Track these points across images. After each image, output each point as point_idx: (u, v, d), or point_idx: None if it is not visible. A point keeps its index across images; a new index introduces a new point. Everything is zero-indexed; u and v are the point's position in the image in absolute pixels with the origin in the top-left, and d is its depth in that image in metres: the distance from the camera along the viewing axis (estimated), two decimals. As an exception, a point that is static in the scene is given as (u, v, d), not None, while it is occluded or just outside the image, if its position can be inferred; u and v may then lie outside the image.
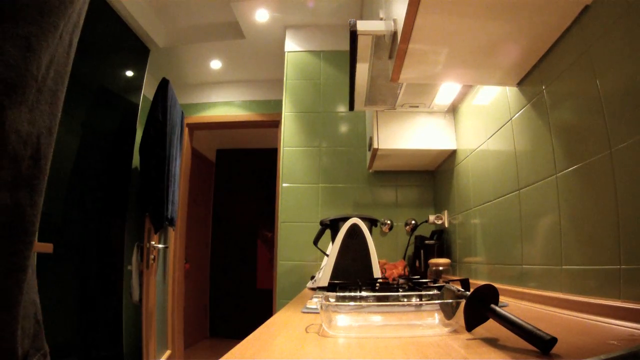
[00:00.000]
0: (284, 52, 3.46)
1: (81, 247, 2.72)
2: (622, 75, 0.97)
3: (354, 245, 1.90)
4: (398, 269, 2.56)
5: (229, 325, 6.11)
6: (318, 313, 1.05)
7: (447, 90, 2.17)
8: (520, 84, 1.56)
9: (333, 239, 2.09)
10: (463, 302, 0.82)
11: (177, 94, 3.82)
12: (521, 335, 0.69)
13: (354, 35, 1.59)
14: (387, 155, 2.62)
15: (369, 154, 2.79)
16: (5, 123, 0.69)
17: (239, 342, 0.78)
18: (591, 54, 1.10)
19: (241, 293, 6.27)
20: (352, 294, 1.14)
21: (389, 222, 3.01)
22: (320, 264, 2.70)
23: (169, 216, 3.49)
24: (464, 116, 2.27)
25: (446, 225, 2.59)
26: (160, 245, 3.75)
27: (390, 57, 1.54)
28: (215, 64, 4.22)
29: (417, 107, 2.36)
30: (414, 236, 2.84)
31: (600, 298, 1.01)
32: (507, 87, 1.65)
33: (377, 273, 1.86)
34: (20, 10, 0.72)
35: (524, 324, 0.69)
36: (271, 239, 5.89)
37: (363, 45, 1.66)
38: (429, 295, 1.06)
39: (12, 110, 0.70)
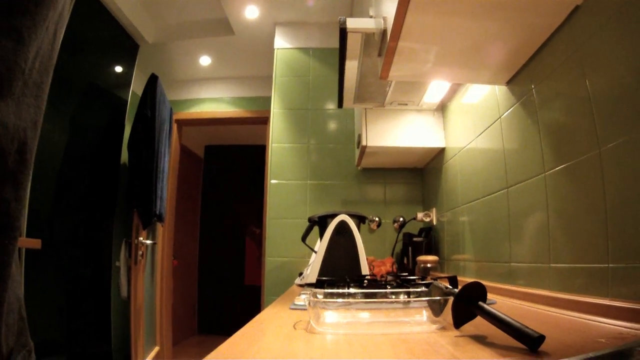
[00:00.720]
0: (273, 49, 3.45)
1: (69, 243, 2.70)
2: (612, 75, 0.98)
3: (342, 242, 1.90)
4: (386, 265, 2.57)
5: (217, 322, 6.09)
6: (306, 309, 1.05)
7: (436, 88, 2.18)
8: (509, 82, 1.56)
9: (321, 235, 2.09)
10: (451, 299, 0.82)
11: (166, 90, 3.80)
12: (509, 332, 0.69)
13: (343, 33, 1.59)
14: (376, 152, 2.62)
15: (357, 151, 2.79)
16: None
17: (227, 338, 0.78)
18: (581, 54, 1.11)
19: (229, 289, 6.26)
20: (340, 290, 1.13)
21: (377, 219, 3.02)
22: (308, 261, 2.70)
23: (158, 212, 3.48)
24: (453, 114, 2.27)
25: (434, 222, 2.60)
26: (148, 242, 3.74)
27: (379, 55, 1.53)
28: (205, 60, 4.20)
29: (406, 104, 2.36)
30: (402, 233, 2.84)
31: (588, 296, 1.02)
32: (497, 86, 1.65)
33: (365, 270, 1.87)
34: (17, 0, 0.71)
35: (512, 321, 0.69)
36: (259, 236, 5.89)
37: (352, 42, 1.66)
38: (417, 292, 1.06)
39: (0, 104, 0.69)
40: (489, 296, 0.88)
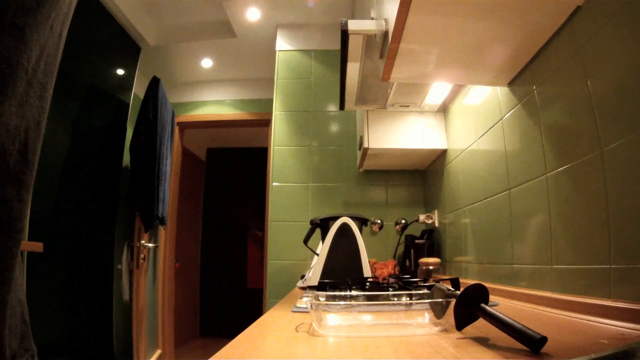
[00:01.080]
0: (275, 51, 3.46)
1: (71, 246, 2.71)
2: (613, 75, 0.98)
3: (344, 244, 1.90)
4: (388, 268, 2.56)
5: (220, 325, 6.09)
6: (308, 312, 1.05)
7: (437, 90, 2.17)
8: (511, 84, 1.56)
9: (323, 238, 2.09)
10: (453, 301, 0.82)
11: (168, 92, 3.81)
12: (511, 334, 0.69)
13: (345, 35, 1.59)
14: (378, 154, 2.62)
15: (359, 153, 2.79)
16: None
17: (229, 341, 0.77)
18: (582, 55, 1.10)
19: (231, 292, 6.26)
20: (342, 293, 1.13)
21: (379, 221, 3.01)
22: (310, 263, 2.70)
23: (160, 215, 3.48)
24: (454, 116, 2.27)
25: (436, 224, 2.59)
26: (150, 245, 3.74)
27: (381, 57, 1.53)
28: (206, 63, 4.20)
29: (408, 106, 2.36)
30: (404, 235, 2.84)
31: (590, 297, 1.02)
32: (498, 87, 1.65)
33: (367, 272, 1.86)
34: None
35: (514, 323, 0.69)
36: (261, 238, 5.89)
37: (354, 44, 1.66)
38: (419, 294, 1.06)
39: (2, 104, 0.68)
40: (491, 298, 0.88)
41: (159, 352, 3.99)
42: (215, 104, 4.54)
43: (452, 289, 0.94)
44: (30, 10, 0.72)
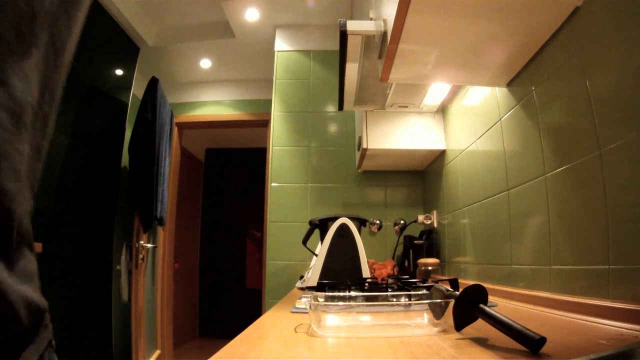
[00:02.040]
0: (273, 52, 3.45)
1: (70, 246, 2.70)
2: (612, 76, 0.98)
3: (343, 245, 1.90)
4: (387, 268, 2.56)
5: (218, 325, 6.08)
6: (307, 313, 1.05)
7: (436, 91, 2.17)
8: (509, 84, 1.56)
9: (322, 238, 2.08)
10: (452, 302, 0.82)
11: (166, 93, 3.80)
12: (510, 335, 0.69)
13: (343, 35, 1.59)
14: (376, 155, 2.62)
15: (358, 154, 2.79)
16: None
17: (228, 342, 0.77)
18: (581, 56, 1.10)
19: (230, 293, 6.26)
20: (341, 293, 1.13)
21: (378, 222, 3.01)
22: (309, 264, 2.70)
23: (158, 216, 3.48)
24: (453, 116, 2.27)
25: (435, 225, 2.59)
26: (149, 245, 3.73)
27: (380, 57, 1.53)
28: (205, 63, 4.20)
29: (407, 107, 2.36)
30: (403, 236, 2.84)
31: (589, 298, 1.02)
32: (497, 88, 1.65)
33: (366, 273, 1.86)
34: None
35: (513, 323, 0.69)
36: (260, 239, 5.88)
37: (353, 45, 1.66)
38: (417, 295, 1.06)
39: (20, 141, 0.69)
40: (490, 298, 0.88)
41: (158, 352, 3.99)
42: (214, 104, 4.54)
43: (451, 290, 0.94)
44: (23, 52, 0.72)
